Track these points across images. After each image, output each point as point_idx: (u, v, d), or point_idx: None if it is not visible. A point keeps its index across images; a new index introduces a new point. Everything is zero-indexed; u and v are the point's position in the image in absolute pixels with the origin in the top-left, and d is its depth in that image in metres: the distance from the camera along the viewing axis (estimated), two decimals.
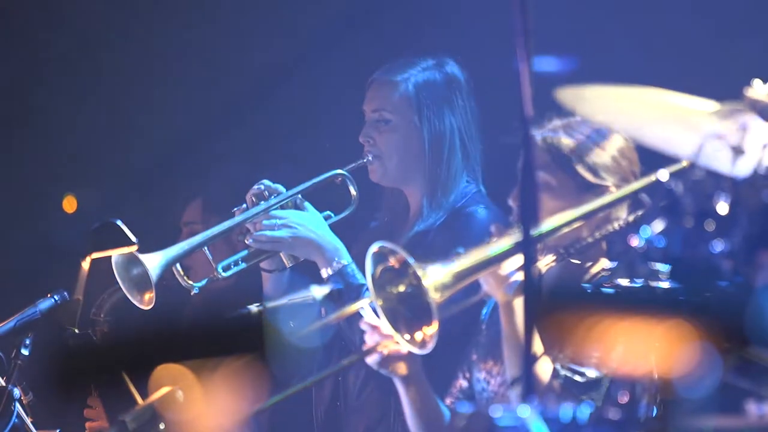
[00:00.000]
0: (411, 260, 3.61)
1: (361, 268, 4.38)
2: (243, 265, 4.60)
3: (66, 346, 4.48)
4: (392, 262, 3.67)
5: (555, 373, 3.72)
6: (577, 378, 3.72)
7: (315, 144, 5.69)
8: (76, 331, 4.50)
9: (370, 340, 3.93)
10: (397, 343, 3.77)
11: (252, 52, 6.03)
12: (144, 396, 3.83)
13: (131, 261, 4.48)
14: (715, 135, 3.00)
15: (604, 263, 3.97)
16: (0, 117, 6.30)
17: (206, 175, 5.21)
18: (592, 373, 3.72)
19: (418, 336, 3.66)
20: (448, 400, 4.11)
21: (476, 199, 4.59)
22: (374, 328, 3.91)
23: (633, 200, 3.73)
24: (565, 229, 3.69)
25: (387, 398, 4.44)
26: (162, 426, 3.79)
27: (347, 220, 4.68)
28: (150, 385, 3.70)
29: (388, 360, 3.93)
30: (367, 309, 3.93)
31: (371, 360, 3.93)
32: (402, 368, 3.96)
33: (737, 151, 2.99)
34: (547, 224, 3.65)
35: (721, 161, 3.00)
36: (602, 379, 3.71)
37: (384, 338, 3.88)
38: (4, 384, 4.55)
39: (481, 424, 3.76)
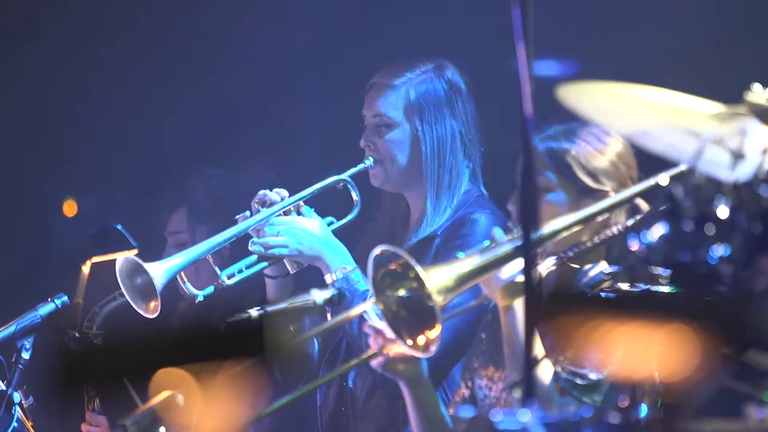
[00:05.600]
0: (413, 263, 3.60)
1: (365, 272, 4.37)
2: (247, 273, 4.58)
3: (66, 350, 4.47)
4: (394, 265, 3.66)
5: (556, 377, 3.72)
6: (578, 381, 3.72)
7: (306, 151, 5.68)
8: (77, 335, 4.50)
9: (374, 343, 3.93)
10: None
11: (244, 61, 6.03)
12: (144, 400, 3.83)
13: (135, 269, 4.43)
14: (715, 139, 3.00)
15: (604, 266, 3.98)
16: (0, 121, 6.30)
17: (192, 184, 5.18)
18: (593, 375, 3.72)
19: (421, 340, 3.65)
20: (450, 409, 4.11)
21: (479, 203, 4.58)
22: (378, 331, 3.91)
23: (631, 205, 3.74)
24: (565, 233, 3.69)
25: (396, 404, 4.40)
26: (162, 430, 3.79)
27: (349, 223, 4.66)
28: (150, 390, 3.70)
29: (392, 362, 3.93)
30: (371, 312, 3.93)
31: (376, 363, 3.93)
32: (406, 370, 3.96)
33: (737, 155, 2.99)
34: (547, 228, 3.65)
35: (721, 165, 3.00)
36: (603, 381, 3.71)
37: (388, 341, 3.88)
38: (4, 388, 4.55)
39: (481, 428, 3.75)
